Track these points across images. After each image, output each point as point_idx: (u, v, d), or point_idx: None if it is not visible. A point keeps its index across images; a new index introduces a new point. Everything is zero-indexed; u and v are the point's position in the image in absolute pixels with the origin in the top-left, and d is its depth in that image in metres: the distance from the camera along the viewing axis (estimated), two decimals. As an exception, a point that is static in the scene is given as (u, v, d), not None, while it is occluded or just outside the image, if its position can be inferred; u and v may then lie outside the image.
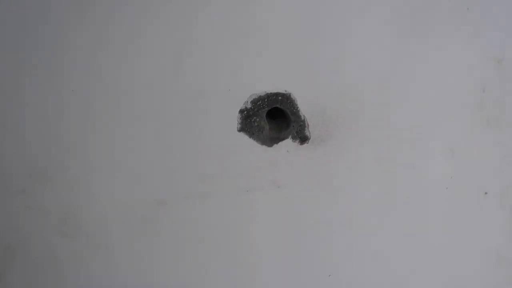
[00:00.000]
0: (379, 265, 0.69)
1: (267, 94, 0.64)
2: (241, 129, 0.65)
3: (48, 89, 0.61)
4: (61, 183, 0.64)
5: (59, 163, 0.63)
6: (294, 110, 0.66)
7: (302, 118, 0.66)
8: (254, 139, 0.66)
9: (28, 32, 0.59)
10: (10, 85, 0.60)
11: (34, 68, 0.60)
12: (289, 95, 0.65)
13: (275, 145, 0.66)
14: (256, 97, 0.64)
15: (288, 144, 0.66)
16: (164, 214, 0.65)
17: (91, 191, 0.65)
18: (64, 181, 0.64)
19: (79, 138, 0.63)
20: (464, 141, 0.69)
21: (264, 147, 0.66)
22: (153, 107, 0.63)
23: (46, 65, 0.60)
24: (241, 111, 0.65)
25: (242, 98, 0.64)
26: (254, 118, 0.65)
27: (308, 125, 0.66)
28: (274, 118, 0.69)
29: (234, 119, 0.65)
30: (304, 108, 0.66)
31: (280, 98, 0.65)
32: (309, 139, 0.66)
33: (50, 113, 0.62)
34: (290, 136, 0.66)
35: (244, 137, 0.65)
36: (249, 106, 0.65)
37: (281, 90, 0.65)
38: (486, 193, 0.69)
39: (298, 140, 0.66)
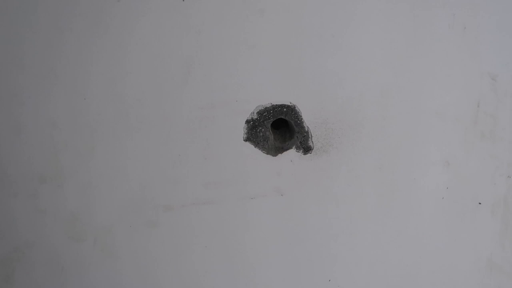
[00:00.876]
0: (377, 271, 0.72)
1: (272, 105, 0.67)
2: (247, 139, 0.68)
3: (60, 97, 0.63)
4: (71, 187, 0.66)
5: (69, 168, 0.65)
6: (298, 121, 0.68)
7: (306, 129, 0.69)
8: (259, 149, 0.68)
9: (47, 44, 0.61)
10: (23, 91, 0.62)
11: (47, 77, 0.62)
12: (294, 107, 0.67)
13: (279, 154, 0.69)
14: (262, 108, 0.67)
15: (291, 154, 0.69)
16: (170, 220, 0.68)
17: (99, 195, 0.67)
18: (73, 185, 0.66)
19: (88, 144, 0.65)
20: (460, 153, 0.72)
21: (269, 156, 0.68)
22: (162, 116, 0.65)
23: (59, 73, 0.62)
24: (247, 122, 0.67)
25: (249, 109, 0.67)
26: (260, 128, 0.68)
27: (311, 136, 0.69)
28: (278, 128, 0.71)
29: (241, 129, 0.67)
30: (308, 119, 0.68)
31: (285, 109, 0.68)
32: (312, 149, 0.69)
33: (62, 119, 0.64)
34: (294, 146, 0.69)
35: (249, 147, 0.68)
36: (255, 116, 0.67)
37: (286, 102, 0.67)
38: (480, 203, 0.73)
39: (301, 150, 0.69)
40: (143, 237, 0.68)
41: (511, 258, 0.74)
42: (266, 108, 0.67)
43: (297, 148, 0.69)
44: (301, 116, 0.68)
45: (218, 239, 0.68)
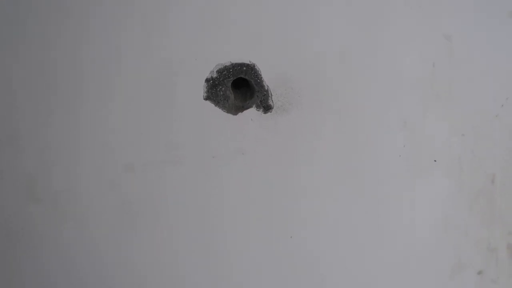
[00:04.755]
0: (337, 228, 0.74)
1: (232, 64, 0.67)
2: (207, 98, 0.68)
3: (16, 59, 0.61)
4: (29, 148, 0.65)
5: (27, 128, 0.64)
6: (258, 80, 0.69)
7: (266, 88, 0.69)
8: (220, 107, 0.68)
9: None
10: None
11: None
12: (254, 65, 0.68)
13: (240, 113, 0.69)
14: (222, 67, 0.67)
15: (252, 113, 0.70)
16: (131, 180, 0.68)
17: (59, 155, 0.66)
18: (31, 146, 0.65)
19: (45, 103, 0.64)
20: (416, 113, 0.74)
21: (229, 115, 0.69)
22: (121, 74, 0.65)
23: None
24: (207, 80, 0.67)
25: (208, 67, 0.67)
26: (220, 87, 0.68)
27: (271, 95, 0.69)
28: (239, 88, 0.72)
29: (200, 88, 0.67)
30: (268, 78, 0.69)
31: (244, 68, 0.68)
32: (272, 108, 0.70)
33: (16, 80, 0.63)
34: (254, 105, 0.70)
35: (210, 106, 0.68)
36: (215, 75, 0.67)
37: (246, 60, 0.67)
38: (435, 160, 0.75)
39: (262, 109, 0.70)
40: (104, 197, 0.68)
41: (465, 216, 0.77)
42: (225, 66, 0.67)
43: (257, 107, 0.70)
44: (260, 75, 0.68)
45: (179, 198, 0.69)
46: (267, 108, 0.70)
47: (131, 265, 0.69)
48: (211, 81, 0.67)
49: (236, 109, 0.69)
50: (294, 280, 0.74)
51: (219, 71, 0.67)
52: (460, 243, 0.77)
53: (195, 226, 0.70)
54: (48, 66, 0.63)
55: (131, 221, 0.68)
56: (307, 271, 0.73)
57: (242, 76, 0.68)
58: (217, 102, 0.68)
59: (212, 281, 0.71)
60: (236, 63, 0.67)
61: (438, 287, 0.77)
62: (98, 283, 0.69)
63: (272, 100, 0.70)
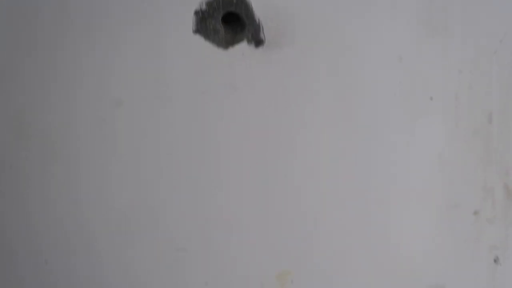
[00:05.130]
0: (330, 165, 0.73)
1: (221, -5, 0.65)
2: (196, 31, 0.66)
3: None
4: (16, 82, 0.64)
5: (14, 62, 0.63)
6: (249, 14, 0.67)
7: (257, 22, 0.67)
8: (210, 41, 0.67)
9: None
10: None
11: None
12: (243, -3, 0.66)
13: (230, 48, 0.68)
14: (211, -1, 0.65)
15: (243, 47, 0.68)
16: (121, 115, 0.67)
17: (47, 92, 0.65)
18: (19, 80, 0.64)
19: (33, 34, 0.63)
20: (412, 48, 0.72)
21: (220, 49, 0.67)
22: (108, 11, 0.64)
23: None
24: (196, 13, 0.66)
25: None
26: (209, 20, 0.66)
27: (263, 28, 0.68)
28: (229, 23, 0.70)
29: (190, 21, 0.66)
30: (259, 11, 0.67)
31: (234, 1, 0.66)
32: (264, 42, 0.68)
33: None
34: (245, 39, 0.68)
35: (199, 39, 0.66)
36: (204, 7, 0.66)
37: (236, -8, 0.66)
38: (431, 98, 0.74)
39: (253, 43, 0.68)
40: (92, 134, 0.67)
41: (461, 155, 0.76)
42: (215, -2, 0.65)
43: (249, 41, 0.68)
44: (251, 7, 0.67)
45: (170, 133, 0.68)
46: (258, 42, 0.68)
47: (118, 198, 0.68)
48: (200, 14, 0.66)
49: (226, 43, 0.68)
50: (286, 220, 0.73)
51: (209, 4, 0.66)
52: (456, 183, 0.76)
53: (184, 163, 0.69)
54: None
55: (121, 156, 0.68)
56: (300, 209, 0.73)
57: (232, 9, 0.67)
58: (207, 36, 0.67)
59: (202, 209, 0.71)
60: (225, -5, 0.66)
61: (433, 227, 0.77)
62: (83, 221, 0.69)
63: (263, 34, 0.68)
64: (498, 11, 0.74)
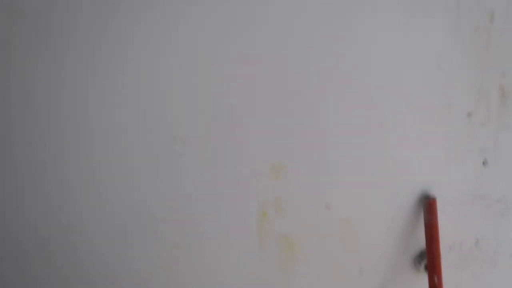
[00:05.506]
0: (323, 65, 0.72)
1: None
2: None
3: None
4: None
5: None
6: None
7: None
8: None
9: None
10: None
11: None
12: None
13: None
14: None
15: None
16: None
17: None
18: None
19: None
20: None
21: None
22: None
23: None
24: None
25: None
26: None
27: None
28: None
29: None
30: None
31: None
32: None
33: None
34: None
35: None
36: None
37: None
38: (432, -7, 0.72)
39: None
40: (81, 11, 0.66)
41: (459, 54, 0.76)
42: None
43: None
44: None
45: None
46: None
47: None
48: None
49: None
50: (281, 114, 0.74)
51: None
52: (452, 83, 0.76)
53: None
54: None
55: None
56: (295, 104, 0.73)
57: None
58: None
59: (198, 99, 0.71)
60: None
61: (426, 127, 0.78)
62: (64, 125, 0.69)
63: None
64: None
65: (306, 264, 0.85)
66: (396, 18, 0.73)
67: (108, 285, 0.78)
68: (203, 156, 0.74)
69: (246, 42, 0.70)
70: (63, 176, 0.72)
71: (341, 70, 0.73)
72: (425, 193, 0.83)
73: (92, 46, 0.67)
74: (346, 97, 0.74)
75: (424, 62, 0.75)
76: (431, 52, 0.75)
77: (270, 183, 0.77)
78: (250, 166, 0.76)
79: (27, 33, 0.66)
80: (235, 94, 0.72)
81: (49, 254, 0.76)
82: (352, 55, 0.73)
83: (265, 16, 0.69)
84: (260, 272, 0.83)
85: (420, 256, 0.91)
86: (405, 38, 0.74)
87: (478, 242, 0.91)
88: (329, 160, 0.77)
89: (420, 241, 0.89)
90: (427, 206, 0.82)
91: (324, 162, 0.78)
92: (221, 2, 0.67)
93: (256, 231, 0.80)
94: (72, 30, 0.66)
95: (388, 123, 0.77)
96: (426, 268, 0.87)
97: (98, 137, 0.71)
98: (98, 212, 0.75)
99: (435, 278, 0.84)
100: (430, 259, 0.84)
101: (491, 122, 0.79)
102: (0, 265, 0.76)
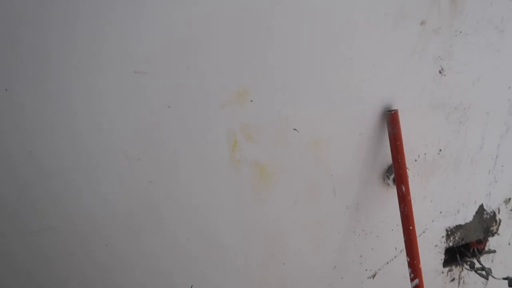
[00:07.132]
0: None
1: None
2: None
3: None
4: None
5: None
6: None
7: None
8: None
9: None
10: None
11: None
12: None
13: None
14: None
15: None
16: None
17: None
18: None
19: None
20: None
21: None
22: None
23: None
24: None
25: None
26: None
27: None
28: None
29: None
30: None
31: None
32: None
33: None
34: None
35: None
36: None
37: None
38: None
39: None
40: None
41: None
42: None
43: None
44: None
45: None
46: None
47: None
48: None
49: None
50: (246, 37, 0.73)
51: None
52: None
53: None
54: None
55: None
56: (254, 19, 0.73)
57: None
58: None
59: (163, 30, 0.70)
60: None
61: (382, 39, 0.79)
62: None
63: None
64: None
65: (281, 190, 0.88)
66: None
67: (85, 224, 0.78)
68: (169, 87, 0.73)
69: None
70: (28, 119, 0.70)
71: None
72: (387, 107, 0.86)
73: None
74: (305, 15, 0.74)
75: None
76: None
77: (237, 110, 0.78)
78: (215, 94, 0.76)
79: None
80: (197, 20, 0.70)
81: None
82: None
83: None
84: (236, 201, 0.85)
85: (388, 171, 0.95)
86: None
87: (441, 151, 0.95)
88: (292, 83, 0.78)
89: (387, 157, 0.93)
90: (390, 118, 0.85)
91: (287, 85, 0.79)
92: None
93: (229, 160, 0.81)
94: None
95: (345, 37, 0.78)
96: (395, 181, 0.91)
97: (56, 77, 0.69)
98: (75, 155, 0.74)
99: (402, 188, 0.89)
100: (396, 170, 0.88)
101: (444, 29, 0.82)
102: None
